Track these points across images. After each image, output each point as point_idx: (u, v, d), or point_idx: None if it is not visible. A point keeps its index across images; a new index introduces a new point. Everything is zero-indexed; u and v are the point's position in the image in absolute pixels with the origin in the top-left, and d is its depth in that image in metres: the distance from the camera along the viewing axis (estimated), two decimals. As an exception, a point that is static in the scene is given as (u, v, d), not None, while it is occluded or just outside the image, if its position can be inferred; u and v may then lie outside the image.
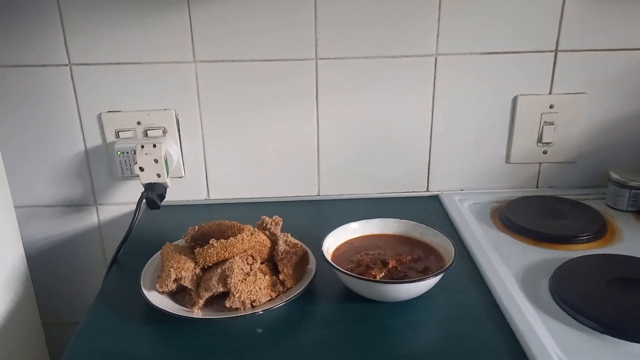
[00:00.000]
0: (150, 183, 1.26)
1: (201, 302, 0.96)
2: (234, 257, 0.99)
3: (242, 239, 0.99)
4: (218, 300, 0.97)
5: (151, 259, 1.09)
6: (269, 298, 0.98)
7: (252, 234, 1.02)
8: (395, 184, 1.39)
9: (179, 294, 1.01)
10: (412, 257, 1.04)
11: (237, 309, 0.95)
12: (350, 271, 0.99)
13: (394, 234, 1.13)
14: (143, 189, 1.26)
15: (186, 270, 0.97)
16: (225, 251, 0.97)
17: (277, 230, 1.10)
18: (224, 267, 0.97)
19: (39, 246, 1.43)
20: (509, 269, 1.07)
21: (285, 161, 1.38)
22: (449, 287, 1.01)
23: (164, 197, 1.29)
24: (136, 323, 0.96)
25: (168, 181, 1.28)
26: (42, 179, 1.36)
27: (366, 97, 1.33)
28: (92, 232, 1.42)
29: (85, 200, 1.40)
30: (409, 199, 1.42)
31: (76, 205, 1.40)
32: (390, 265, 1.01)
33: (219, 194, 1.37)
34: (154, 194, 1.25)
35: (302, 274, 1.04)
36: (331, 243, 1.08)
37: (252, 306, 0.96)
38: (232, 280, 0.95)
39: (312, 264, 1.06)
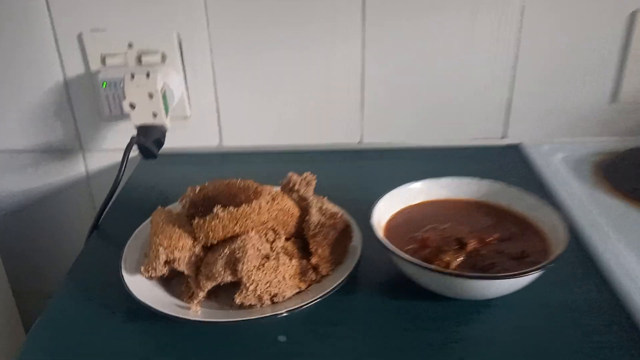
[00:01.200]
0: (144, 125, 0.97)
1: (202, 294, 0.68)
2: (247, 232, 0.69)
3: (259, 207, 0.69)
4: (227, 290, 0.69)
5: (140, 228, 0.81)
6: (297, 291, 0.70)
7: (273, 199, 0.72)
8: (462, 130, 1.07)
9: (175, 278, 0.73)
10: (500, 235, 0.73)
11: (251, 306, 0.67)
12: (412, 254, 0.70)
13: (471, 200, 0.82)
14: (136, 133, 0.97)
15: (181, 250, 0.69)
16: (236, 224, 0.68)
17: (309, 193, 0.80)
18: (233, 246, 0.69)
19: (12, 201, 1.16)
20: (635, 251, 0.76)
21: (318, 98, 1.07)
22: (547, 277, 0.71)
23: (162, 144, 1.00)
24: (115, 316, 0.70)
25: (167, 122, 0.98)
26: (13, 119, 1.09)
27: (425, 21, 0.99)
28: (78, 185, 1.16)
29: (68, 144, 1.12)
30: (479, 150, 1.10)
31: (58, 151, 1.12)
32: (469, 248, 0.71)
33: (234, 140, 1.10)
34: (148, 139, 0.96)
35: (343, 257, 0.75)
36: (383, 212, 0.77)
37: (273, 302, 0.68)
38: (245, 267, 0.66)
39: (357, 242, 0.76)
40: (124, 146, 0.97)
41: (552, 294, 0.71)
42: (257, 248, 0.69)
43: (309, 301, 0.67)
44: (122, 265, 0.73)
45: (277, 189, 0.80)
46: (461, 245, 0.71)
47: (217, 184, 0.75)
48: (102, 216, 0.91)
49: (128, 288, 0.69)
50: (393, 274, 0.74)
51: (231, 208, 0.69)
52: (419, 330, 0.66)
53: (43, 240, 1.21)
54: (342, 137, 1.11)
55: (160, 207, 0.78)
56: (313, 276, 0.71)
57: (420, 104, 1.07)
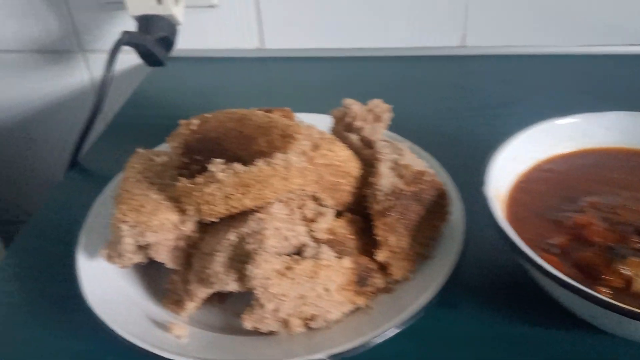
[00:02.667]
0: (145, 16, 0.67)
1: (191, 305, 0.41)
2: (268, 205, 0.40)
3: (288, 167, 0.39)
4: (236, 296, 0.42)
5: (117, 178, 0.53)
6: (350, 309, 0.41)
7: (315, 148, 0.42)
8: (614, 30, 0.70)
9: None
10: None
11: (272, 333, 0.39)
12: (560, 256, 0.39)
13: (658, 153, 0.48)
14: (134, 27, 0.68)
15: (157, 230, 0.41)
16: (246, 193, 0.39)
17: (379, 134, 0.48)
18: (242, 229, 0.40)
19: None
20: None
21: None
22: None
23: (172, 44, 0.70)
24: (68, 317, 0.44)
25: (178, 12, 0.68)
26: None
27: None
28: (81, 95, 0.89)
29: (64, 43, 0.84)
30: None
31: (52, 52, 0.85)
32: (668, 248, 0.39)
33: (279, 41, 0.78)
34: (149, 37, 0.66)
35: (431, 247, 0.44)
36: (506, 170, 0.46)
37: (308, 329, 0.39)
38: (258, 271, 0.37)
39: (457, 221, 0.45)
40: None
41: None
42: (283, 235, 0.40)
43: (375, 334, 0.38)
44: (81, 240, 0.47)
45: (324, 126, 0.49)
46: (651, 242, 0.39)
47: (224, 117, 0.45)
48: (83, 146, 0.64)
49: (80, 283, 0.43)
50: (521, 280, 0.44)
51: (237, 166, 0.39)
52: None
53: (33, 162, 0.97)
54: (436, 37, 0.76)
55: (139, 150, 0.49)
56: (378, 282, 0.42)
57: None
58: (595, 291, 0.36)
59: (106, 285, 0.44)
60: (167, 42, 0.69)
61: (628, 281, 0.37)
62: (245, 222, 0.40)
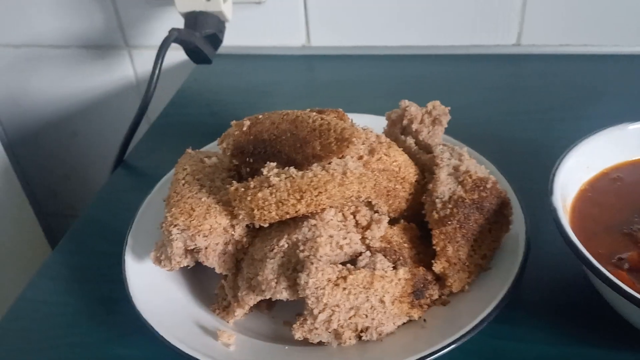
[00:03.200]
0: (193, 13, 0.66)
1: (240, 312, 0.40)
2: (322, 212, 0.39)
3: (345, 173, 0.37)
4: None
5: (166, 177, 0.52)
6: (404, 321, 0.39)
7: (371, 153, 0.40)
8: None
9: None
10: None
11: (321, 344, 0.38)
12: (629, 272, 0.36)
13: None
14: (183, 24, 0.67)
15: (207, 235, 0.40)
16: (300, 199, 0.38)
17: (438, 138, 0.46)
18: (295, 236, 0.38)
19: (38, 105, 0.92)
20: None
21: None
22: None
23: (220, 41, 0.69)
24: (115, 321, 0.43)
25: (225, 9, 0.67)
26: (43, 4, 0.82)
27: None
28: (126, 91, 0.89)
29: (109, 39, 0.84)
30: None
31: (99, 47, 0.85)
32: None
33: (326, 38, 0.77)
34: (197, 34, 0.65)
35: (491, 258, 0.42)
36: (573, 177, 0.43)
37: (361, 340, 0.38)
38: (312, 280, 0.36)
39: (520, 232, 0.43)
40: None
41: None
42: (337, 243, 0.38)
43: (426, 352, 0.36)
44: (128, 241, 0.46)
45: (376, 128, 0.47)
46: None
47: (277, 118, 0.44)
48: (130, 144, 0.64)
49: (128, 285, 0.42)
50: (588, 296, 0.41)
51: (292, 170, 0.38)
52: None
53: (79, 156, 0.98)
54: (488, 34, 0.73)
55: (189, 151, 0.48)
56: (434, 293, 0.40)
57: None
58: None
59: (153, 288, 0.43)
60: (215, 39, 0.68)
61: None
62: (298, 229, 0.39)
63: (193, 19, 0.66)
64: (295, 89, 0.74)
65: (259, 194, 0.38)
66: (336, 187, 0.37)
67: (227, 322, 0.41)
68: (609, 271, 0.37)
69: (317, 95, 0.73)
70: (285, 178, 0.38)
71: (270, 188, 0.38)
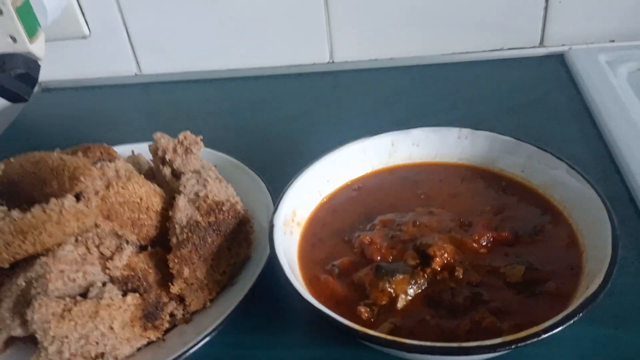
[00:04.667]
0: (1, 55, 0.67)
1: (-11, 350, 0.42)
2: (54, 248, 0.41)
3: (61, 211, 0.40)
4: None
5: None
6: (144, 343, 0.42)
7: (108, 187, 0.43)
8: (476, 35, 0.72)
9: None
10: (498, 235, 0.42)
11: (63, 373, 0.40)
12: (338, 277, 0.41)
13: (461, 164, 0.49)
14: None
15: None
16: (24, 240, 0.40)
17: (191, 165, 0.49)
18: (30, 274, 0.41)
19: None
20: None
21: (267, 1, 0.73)
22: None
23: (35, 80, 0.70)
24: None
25: (35, 48, 0.68)
26: None
27: None
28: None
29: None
30: (502, 63, 0.74)
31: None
32: (436, 264, 0.40)
33: (157, 65, 0.82)
34: (4, 74, 0.66)
35: (233, 274, 0.45)
36: (306, 195, 0.47)
37: (98, 367, 0.40)
38: (37, 315, 0.38)
39: (262, 252, 0.47)
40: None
41: (593, 336, 0.40)
42: (68, 277, 0.41)
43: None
44: None
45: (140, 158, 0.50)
46: (423, 258, 0.40)
47: (24, 161, 0.46)
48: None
49: None
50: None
51: (15, 213, 0.40)
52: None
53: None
54: (304, 55, 0.77)
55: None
56: (178, 313, 0.43)
57: (414, 1, 0.72)
58: (356, 311, 0.38)
59: None
60: (29, 77, 0.69)
61: (393, 298, 0.39)
62: (32, 267, 0.41)
63: (1, 60, 0.67)
64: (127, 117, 0.76)
65: (-9, 238, 0.40)
66: (54, 225, 0.40)
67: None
68: (319, 278, 0.41)
69: (150, 119, 0.75)
70: (9, 221, 0.40)
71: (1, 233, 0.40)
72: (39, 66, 0.71)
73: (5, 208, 0.41)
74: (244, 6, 0.74)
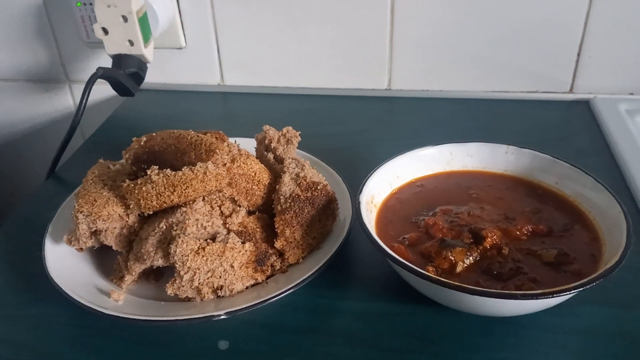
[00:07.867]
0: (119, 55, 0.80)
1: (129, 278, 0.54)
2: (192, 202, 0.53)
3: (205, 172, 0.52)
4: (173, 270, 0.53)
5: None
6: (252, 283, 0.53)
7: (232, 161, 0.55)
8: (515, 77, 0.84)
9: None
10: (535, 228, 0.53)
11: (189, 299, 0.51)
12: (408, 247, 0.52)
13: (507, 175, 0.61)
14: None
15: (107, 219, 0.53)
16: (173, 192, 0.52)
17: (290, 153, 0.62)
18: (171, 220, 0.53)
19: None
20: None
21: (345, 34, 0.86)
22: (597, 292, 0.51)
23: (142, 79, 0.83)
24: (28, 291, 0.56)
25: (147, 53, 0.81)
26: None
27: None
28: (66, 118, 1.02)
29: (53, 73, 0.97)
30: (536, 104, 0.87)
31: (43, 81, 0.98)
32: (487, 242, 0.51)
33: (239, 78, 0.94)
34: (120, 72, 0.80)
35: (320, 240, 0.57)
36: (382, 184, 0.59)
37: (217, 296, 0.52)
38: (179, 249, 0.50)
39: (343, 222, 0.58)
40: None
41: (603, 313, 0.51)
42: (202, 224, 0.53)
43: (264, 299, 0.50)
44: (49, 229, 0.59)
45: (251, 148, 0.62)
46: (477, 238, 0.52)
47: (166, 135, 0.58)
48: (60, 159, 0.77)
49: (44, 260, 0.55)
50: (387, 270, 0.56)
51: (168, 171, 0.52)
52: (412, 352, 0.48)
53: (20, 176, 1.10)
54: (366, 81, 0.90)
55: (100, 161, 0.62)
56: (276, 265, 0.54)
57: (462, 41, 0.84)
58: (426, 270, 0.49)
59: (66, 264, 0.56)
60: (138, 76, 0.82)
61: (452, 265, 0.50)
62: (173, 214, 0.53)
63: (118, 59, 0.81)
64: (208, 120, 0.88)
65: (143, 188, 0.52)
66: (199, 182, 0.52)
67: (121, 287, 0.54)
68: (393, 246, 0.52)
69: (228, 123, 0.88)
70: (163, 176, 0.52)
71: (151, 184, 0.52)
72: (146, 68, 0.84)
73: (157, 167, 0.53)
74: (319, 35, 0.87)
